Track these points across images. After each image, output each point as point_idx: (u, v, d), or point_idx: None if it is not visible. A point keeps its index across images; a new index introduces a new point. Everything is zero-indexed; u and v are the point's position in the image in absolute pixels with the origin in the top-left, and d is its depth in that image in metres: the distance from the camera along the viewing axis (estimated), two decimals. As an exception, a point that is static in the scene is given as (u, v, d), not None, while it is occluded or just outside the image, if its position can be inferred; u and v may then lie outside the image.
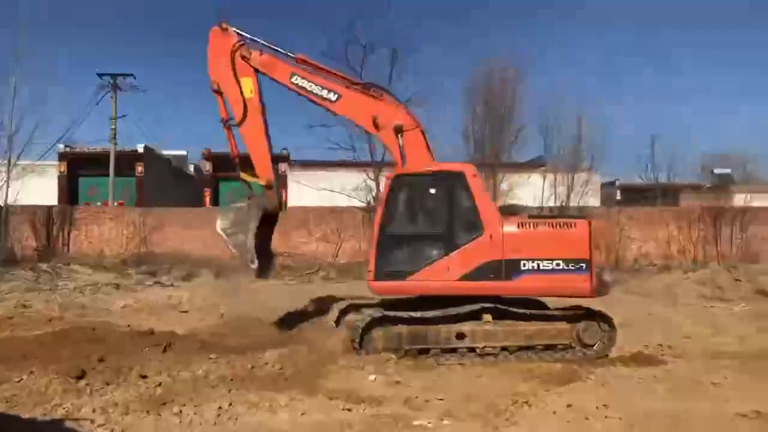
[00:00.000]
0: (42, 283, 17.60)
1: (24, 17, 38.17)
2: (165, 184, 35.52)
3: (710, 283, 17.65)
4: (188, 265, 21.67)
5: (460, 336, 8.53)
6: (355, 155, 26.08)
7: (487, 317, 8.55)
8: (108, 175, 31.75)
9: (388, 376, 7.48)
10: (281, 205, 10.23)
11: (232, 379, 7.18)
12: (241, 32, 9.80)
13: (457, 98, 40.43)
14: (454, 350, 8.54)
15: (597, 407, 6.35)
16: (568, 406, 6.41)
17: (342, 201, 26.16)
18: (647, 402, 6.64)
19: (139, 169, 33.92)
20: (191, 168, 42.48)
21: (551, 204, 26.08)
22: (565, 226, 8.67)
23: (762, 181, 35.45)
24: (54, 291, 16.05)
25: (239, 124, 9.72)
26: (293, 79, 9.52)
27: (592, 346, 8.68)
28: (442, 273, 8.57)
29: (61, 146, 32.10)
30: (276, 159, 10.10)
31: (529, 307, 8.70)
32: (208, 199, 35.62)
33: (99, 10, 73.77)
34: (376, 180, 24.65)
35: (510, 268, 8.45)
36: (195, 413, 6.02)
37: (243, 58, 9.67)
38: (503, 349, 8.56)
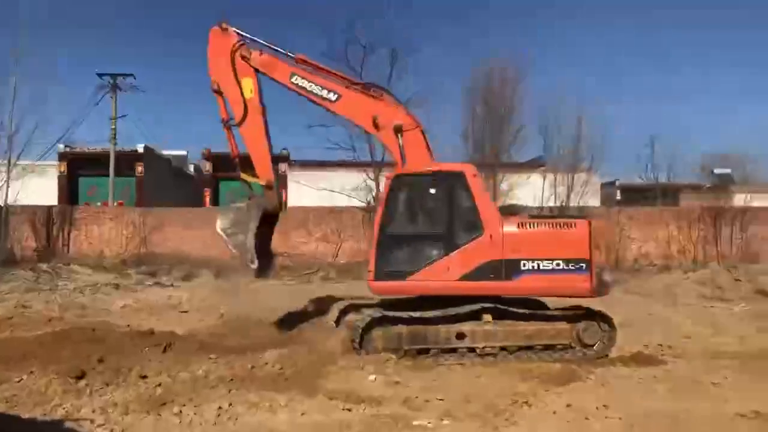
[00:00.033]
0: (42, 284, 17.59)
1: (23, 17, 38.22)
2: (165, 184, 35.52)
3: (710, 283, 17.64)
4: (188, 266, 21.67)
5: (460, 336, 8.53)
6: (354, 155, 26.10)
7: (487, 317, 8.55)
8: (108, 175, 31.76)
9: (387, 376, 7.48)
10: (281, 205, 10.23)
11: (231, 380, 7.18)
12: (241, 32, 9.79)
13: (457, 98, 40.52)
14: (453, 350, 8.54)
15: (597, 407, 6.35)
16: (568, 406, 6.41)
17: (342, 201, 26.17)
18: (647, 402, 6.64)
19: (139, 169, 33.93)
20: (191, 168, 42.49)
21: (551, 204, 26.07)
22: (565, 226, 8.67)
23: (762, 181, 35.44)
24: (54, 291, 16.05)
25: (239, 124, 9.71)
26: (293, 79, 9.52)
27: (592, 346, 8.69)
28: (442, 273, 8.57)
29: (61, 146, 32.11)
30: (276, 159, 10.14)
31: (529, 307, 8.70)
32: (208, 199, 35.63)
33: (98, 10, 73.85)
34: (376, 180, 24.66)
35: (510, 268, 8.46)
36: (195, 413, 6.03)
37: (243, 58, 9.67)
38: (503, 349, 8.56)
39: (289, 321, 10.89)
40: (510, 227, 8.64)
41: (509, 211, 10.51)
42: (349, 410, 6.24)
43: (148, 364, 7.61)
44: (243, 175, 9.91)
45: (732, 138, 75.21)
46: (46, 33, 47.17)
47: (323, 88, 9.45)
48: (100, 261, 23.71)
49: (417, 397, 6.64)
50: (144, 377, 7.10)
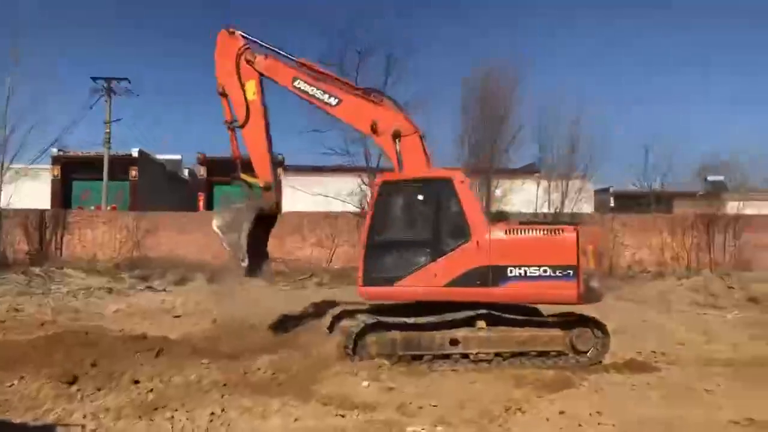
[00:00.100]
0: (34, 287, 17.51)
1: (21, 19, 38.13)
2: (159, 188, 35.45)
3: (703, 291, 17.69)
4: (182, 270, 21.59)
5: (454, 342, 8.53)
6: (349, 160, 26.09)
7: (481, 323, 8.55)
8: (102, 179, 31.70)
9: (381, 382, 7.47)
10: (279, 207, 10.33)
11: (224, 385, 7.16)
12: (248, 36, 10.02)
13: (455, 101, 40.49)
14: (447, 356, 8.54)
15: (590, 414, 6.36)
16: (561, 412, 6.41)
17: (337, 206, 26.16)
18: (641, 409, 6.64)
19: (133, 173, 33.85)
20: (185, 172, 42.42)
21: (545, 210, 26.12)
22: (553, 233, 8.67)
23: (755, 188, 35.58)
24: (47, 295, 15.98)
25: (242, 126, 9.93)
26: (295, 83, 9.68)
27: (586, 352, 8.68)
28: (430, 279, 8.58)
29: (54, 150, 32.03)
30: (274, 163, 10.28)
31: (523, 314, 8.70)
32: (202, 204, 35.54)
33: (93, 14, 73.74)
34: (371, 185, 24.63)
35: (497, 275, 8.44)
36: (187, 419, 6.00)
37: (248, 61, 9.89)
38: (497, 355, 8.55)
39: (283, 326, 10.88)
40: (497, 233, 8.65)
41: (499, 218, 10.53)
42: (343, 416, 6.22)
43: (140, 368, 7.57)
44: (243, 176, 10.09)
45: (725, 145, 75.68)
46: (40, 36, 47.02)
47: (324, 92, 9.58)
48: (93, 265, 23.62)
49: (411, 403, 6.63)
50: (136, 382, 7.07)
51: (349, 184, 26.01)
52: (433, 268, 8.60)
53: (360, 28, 29.04)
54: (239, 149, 10.17)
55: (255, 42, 10.06)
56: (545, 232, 8.70)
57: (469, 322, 8.55)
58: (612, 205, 37.86)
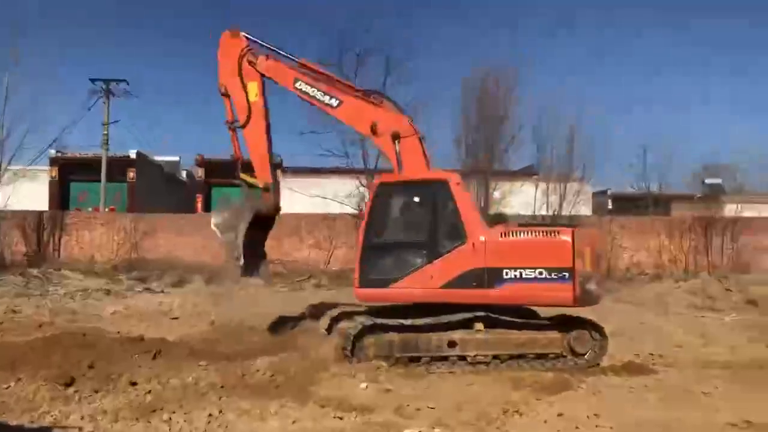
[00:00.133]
0: (32, 289, 17.50)
1: (19, 22, 38.10)
2: (157, 189, 35.40)
3: (701, 293, 17.69)
4: (180, 271, 21.57)
5: (452, 344, 8.52)
6: (347, 162, 26.08)
7: (479, 326, 8.55)
8: (99, 181, 31.66)
9: (379, 384, 7.46)
10: (278, 207, 10.38)
11: (222, 387, 7.14)
12: (250, 37, 10.11)
13: (453, 104, 40.49)
14: (445, 358, 8.53)
15: (588, 416, 6.35)
16: (559, 415, 6.40)
17: (335, 208, 26.15)
18: (638, 411, 6.64)
19: (131, 174, 33.80)
20: (183, 174, 42.37)
21: (543, 212, 26.13)
22: (548, 235, 8.66)
23: (752, 191, 35.67)
24: (44, 296, 15.97)
25: (243, 126, 10.02)
26: (297, 85, 9.77)
27: (584, 355, 8.67)
28: (426, 281, 8.58)
29: (52, 151, 31.99)
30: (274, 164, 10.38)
31: (521, 316, 8.69)
32: (200, 206, 35.51)
33: (93, 14, 73.69)
34: (369, 187, 24.62)
35: (492, 277, 8.42)
36: (185, 420, 5.99)
37: (250, 62, 9.98)
38: (494, 357, 8.54)
39: (281, 328, 10.86)
40: (493, 235, 8.65)
41: (498, 220, 10.54)
42: (341, 418, 6.21)
43: (138, 370, 7.55)
44: (243, 176, 10.15)
45: (723, 148, 75.88)
46: (39, 35, 47.01)
47: (325, 93, 9.64)
48: (91, 266, 23.60)
49: (408, 405, 6.62)
50: (134, 384, 7.04)
51: (347, 185, 26.00)
52: (429, 270, 8.61)
53: (359, 28, 29.00)
54: (240, 150, 10.25)
55: (258, 43, 10.14)
56: (541, 234, 8.69)
57: (467, 325, 8.55)
58: (610, 207, 37.87)
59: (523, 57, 55.66)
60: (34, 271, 20.37)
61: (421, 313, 8.60)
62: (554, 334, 8.69)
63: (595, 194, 34.82)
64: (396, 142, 9.17)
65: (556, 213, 25.98)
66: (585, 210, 29.44)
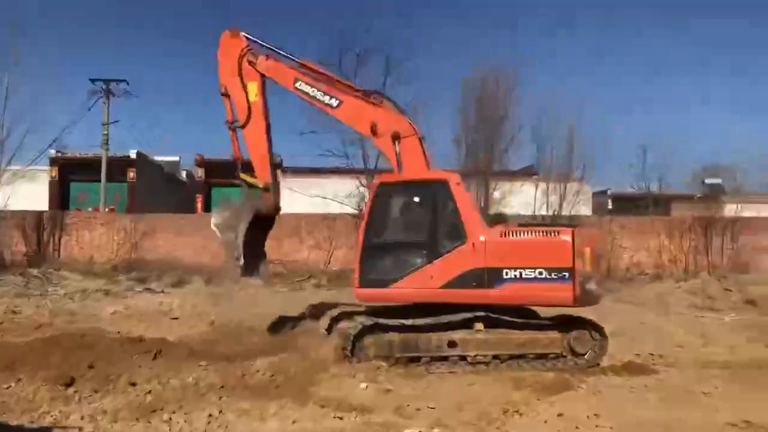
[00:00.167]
0: (32, 289, 17.51)
1: (18, 22, 38.06)
2: (157, 190, 35.39)
3: (701, 293, 17.73)
4: (179, 272, 21.57)
5: (452, 344, 8.51)
6: (347, 162, 26.06)
7: (479, 326, 8.54)
8: (99, 181, 31.65)
9: (379, 384, 7.46)
10: (277, 208, 10.39)
11: (222, 387, 7.14)
12: (251, 37, 10.14)
13: (453, 104, 40.47)
14: (445, 358, 8.53)
15: (588, 416, 6.35)
16: (560, 415, 6.40)
17: (335, 208, 26.14)
18: (639, 411, 6.64)
19: (131, 174, 33.79)
20: (183, 174, 42.36)
21: (543, 213, 26.13)
22: (548, 235, 8.65)
23: (752, 191, 35.63)
24: (44, 297, 15.98)
25: (243, 126, 10.04)
26: (297, 85, 9.79)
27: (584, 355, 8.67)
28: (425, 281, 8.59)
29: (52, 151, 31.98)
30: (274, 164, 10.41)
31: (521, 316, 8.69)
32: (200, 206, 35.50)
33: (92, 16, 73.68)
34: (369, 187, 24.61)
35: (492, 277, 8.42)
36: (185, 421, 5.99)
37: (250, 63, 10.01)
38: (495, 357, 8.54)
39: (281, 328, 10.86)
40: (492, 235, 8.64)
41: (498, 220, 10.54)
42: (341, 418, 6.21)
43: (137, 370, 7.55)
44: (243, 176, 10.18)
45: (723, 148, 75.85)
46: (39, 35, 47.02)
47: (325, 93, 9.67)
48: (91, 267, 23.59)
49: (408, 405, 6.62)
50: (133, 384, 7.05)
51: (347, 185, 25.98)
52: (429, 270, 8.61)
53: (359, 28, 29.04)
54: (240, 150, 10.28)
55: (258, 43, 10.16)
56: (541, 234, 8.68)
57: (467, 325, 8.54)
58: (610, 207, 37.88)
59: (523, 57, 55.94)
60: (34, 272, 20.38)
61: (421, 313, 8.60)
62: (554, 334, 8.69)
63: (595, 194, 34.81)
64: (396, 142, 9.17)
65: (556, 213, 25.97)
66: (585, 210, 29.43)
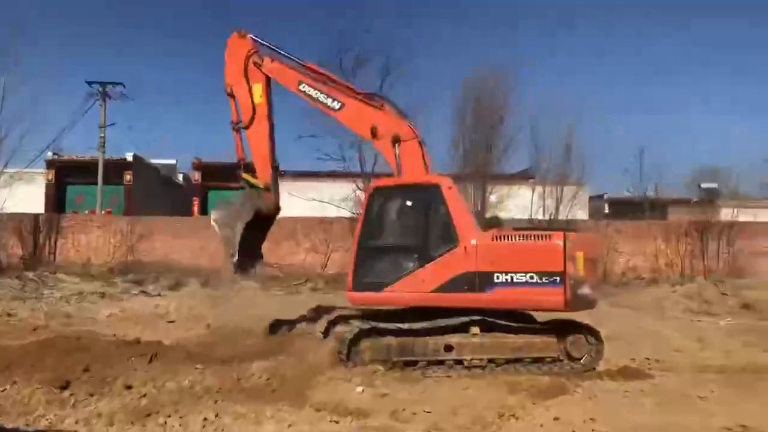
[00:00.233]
0: (28, 292, 17.47)
1: (18, 23, 38.08)
2: (153, 192, 35.40)
3: (697, 297, 17.73)
4: (176, 274, 21.56)
5: (448, 348, 8.51)
6: (344, 165, 26.12)
7: (475, 330, 8.54)
8: (96, 184, 31.63)
9: (375, 388, 7.44)
10: (277, 207, 10.48)
11: (218, 390, 7.12)
12: (257, 39, 10.27)
13: (450, 106, 40.48)
14: (441, 362, 8.52)
15: (584, 421, 6.34)
16: (556, 419, 6.40)
17: (331, 211, 26.14)
18: (634, 416, 6.63)
19: (128, 177, 33.81)
20: (180, 177, 42.35)
21: (540, 216, 26.16)
22: (539, 239, 8.61)
23: (748, 195, 35.72)
24: (39, 299, 15.93)
25: (247, 127, 10.19)
26: (300, 87, 9.89)
27: (580, 359, 8.66)
28: (418, 285, 8.59)
29: (49, 154, 31.98)
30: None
31: (517, 320, 8.69)
32: (196, 209, 35.50)
33: (90, 16, 73.63)
34: (366, 190, 24.59)
35: (484, 281, 8.40)
36: (180, 424, 5.97)
37: (255, 64, 10.13)
38: (490, 361, 8.53)
39: (277, 331, 10.83)
40: (484, 239, 8.65)
41: (492, 224, 10.55)
42: (337, 422, 6.20)
43: (133, 374, 7.53)
44: (245, 176, 10.30)
45: (719, 152, 75.88)
46: (38, 35, 47.00)
47: (328, 96, 9.75)
48: (87, 269, 23.58)
49: (404, 410, 6.61)
50: (129, 387, 7.03)
51: (344, 189, 26.03)
52: (421, 274, 8.62)
53: (359, 28, 29.10)
54: (243, 150, 10.42)
55: (265, 45, 10.28)
56: (532, 238, 8.66)
57: (463, 329, 8.54)
58: (606, 211, 37.97)
59: (522, 57, 55.91)
60: (30, 274, 20.34)
61: (417, 316, 8.60)
62: (550, 339, 8.68)
63: (591, 198, 34.90)
64: (396, 145, 9.20)
65: (552, 217, 26.01)
66: (582, 214, 29.50)
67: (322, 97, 9.76)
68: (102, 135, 32.42)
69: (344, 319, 9.97)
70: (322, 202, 26.08)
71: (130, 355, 8.48)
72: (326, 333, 9.91)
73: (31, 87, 31.10)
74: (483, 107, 26.10)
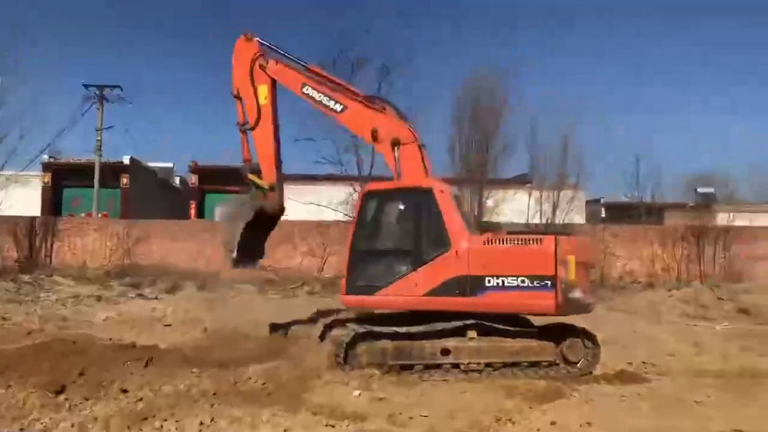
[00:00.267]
0: (23, 295, 17.39)
1: (18, 23, 38.02)
2: (150, 196, 35.34)
3: (693, 302, 17.78)
4: (173, 278, 21.50)
5: (445, 352, 8.50)
6: (342, 169, 26.11)
7: (472, 333, 8.53)
8: (92, 187, 31.57)
9: (372, 391, 7.43)
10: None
11: (214, 394, 7.09)
12: (264, 42, 10.40)
13: (447, 110, 40.43)
14: (438, 366, 8.51)
15: (581, 425, 6.34)
16: (552, 423, 6.39)
17: (328, 215, 26.12)
18: (631, 420, 6.64)
19: (125, 180, 33.78)
20: (177, 180, 42.30)
21: (536, 221, 26.17)
22: (530, 243, 8.61)
23: (744, 200, 35.84)
24: (35, 303, 15.87)
25: (252, 128, 10.33)
26: (304, 89, 10.01)
27: (576, 363, 8.67)
28: (410, 288, 8.60)
29: (45, 157, 31.91)
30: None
31: (514, 324, 8.68)
32: (193, 212, 35.46)
33: (90, 17, 73.61)
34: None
35: (475, 284, 8.40)
36: (176, 428, 5.95)
37: (261, 66, 10.27)
38: (487, 365, 8.52)
39: (274, 335, 10.84)
40: (476, 243, 8.65)
41: (488, 228, 10.56)
42: (333, 426, 6.18)
43: (129, 377, 7.49)
44: (251, 177, 10.45)
45: (716, 157, 76.23)
46: (36, 35, 46.96)
47: (330, 98, 9.84)
48: (83, 272, 23.49)
49: (401, 413, 6.59)
50: (125, 391, 6.99)
51: (341, 192, 26.02)
52: (413, 278, 8.63)
53: (359, 29, 29.14)
54: (250, 152, 10.55)
55: (271, 48, 10.40)
56: (523, 242, 8.65)
57: (460, 332, 8.54)
58: (603, 215, 38.01)
59: (522, 57, 55.95)
60: (26, 277, 20.28)
61: (414, 320, 8.59)
62: (547, 343, 8.68)
63: (588, 203, 34.95)
64: (395, 148, 9.22)
65: (549, 221, 26.03)
66: (578, 218, 29.52)
67: (324, 100, 9.85)
68: (99, 138, 32.36)
69: (341, 322, 9.99)
70: (320, 205, 26.06)
71: (126, 359, 8.43)
72: (323, 336, 9.91)
73: (30, 87, 31.04)
74: (482, 108, 26.11)
